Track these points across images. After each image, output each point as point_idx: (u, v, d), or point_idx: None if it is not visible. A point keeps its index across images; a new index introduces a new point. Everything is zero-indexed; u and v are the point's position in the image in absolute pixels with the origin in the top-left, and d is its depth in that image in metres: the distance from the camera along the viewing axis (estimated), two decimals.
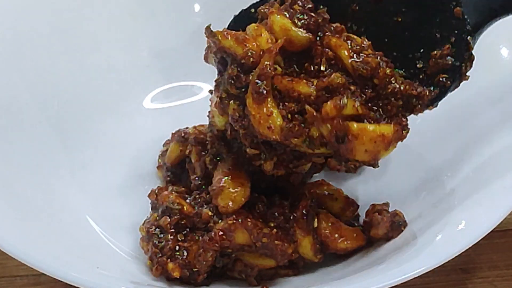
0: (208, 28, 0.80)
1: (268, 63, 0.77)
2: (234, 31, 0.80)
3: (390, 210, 0.86)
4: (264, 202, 0.84)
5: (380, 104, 0.79)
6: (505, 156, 0.83)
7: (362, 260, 0.83)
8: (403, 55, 0.82)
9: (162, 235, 0.83)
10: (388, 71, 0.79)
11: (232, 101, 0.79)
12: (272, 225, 0.82)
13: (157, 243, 0.83)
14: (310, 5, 0.80)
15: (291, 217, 0.82)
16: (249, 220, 0.81)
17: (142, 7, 1.03)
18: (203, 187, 0.86)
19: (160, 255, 0.82)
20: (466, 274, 0.87)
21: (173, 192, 0.86)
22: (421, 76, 0.81)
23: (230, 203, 0.82)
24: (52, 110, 0.96)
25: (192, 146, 0.89)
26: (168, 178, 0.94)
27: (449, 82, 0.80)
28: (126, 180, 0.96)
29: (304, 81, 0.78)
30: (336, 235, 0.83)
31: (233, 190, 0.82)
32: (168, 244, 0.82)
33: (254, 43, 0.79)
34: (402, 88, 0.79)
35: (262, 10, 0.82)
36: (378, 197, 0.90)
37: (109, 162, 0.97)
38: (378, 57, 0.79)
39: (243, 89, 0.79)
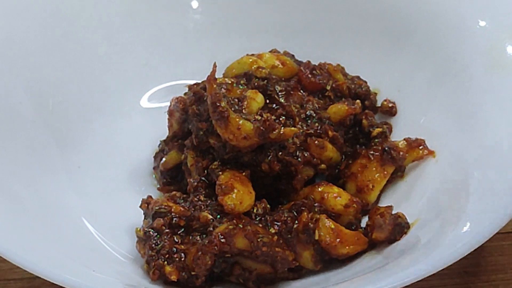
0: None
1: (214, 87, 0.82)
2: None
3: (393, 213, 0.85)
4: (266, 205, 0.83)
5: None
6: (510, 157, 0.82)
7: (364, 263, 0.82)
8: None
9: (158, 236, 0.82)
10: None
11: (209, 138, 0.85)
12: (273, 231, 0.81)
13: (153, 245, 0.81)
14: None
15: (293, 228, 0.82)
16: (249, 226, 0.80)
17: (139, 5, 1.02)
18: (200, 189, 0.85)
19: (157, 258, 0.81)
20: (471, 277, 0.86)
21: (163, 197, 0.85)
22: None
23: (239, 203, 0.81)
24: (47, 109, 0.95)
25: (187, 150, 0.88)
26: (165, 180, 0.93)
27: None
28: (122, 181, 0.95)
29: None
30: (337, 240, 0.82)
31: (242, 192, 0.82)
32: (165, 246, 0.81)
33: None
34: None
35: None
36: (381, 199, 0.89)
37: (105, 162, 0.96)
38: None
39: (209, 120, 0.84)
